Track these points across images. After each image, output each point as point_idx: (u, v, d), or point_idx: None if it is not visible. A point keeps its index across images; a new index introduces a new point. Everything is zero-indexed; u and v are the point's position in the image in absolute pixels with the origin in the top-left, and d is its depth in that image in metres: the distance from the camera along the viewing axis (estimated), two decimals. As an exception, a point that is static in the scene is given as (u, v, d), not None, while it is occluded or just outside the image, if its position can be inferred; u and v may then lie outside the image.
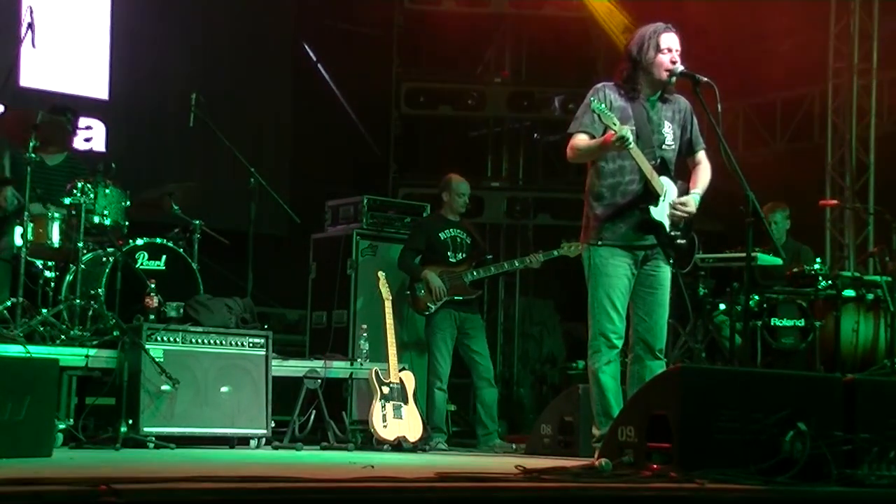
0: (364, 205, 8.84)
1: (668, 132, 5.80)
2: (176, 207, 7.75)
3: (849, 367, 8.15)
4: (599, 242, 5.73)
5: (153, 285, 6.86)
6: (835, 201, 10.42)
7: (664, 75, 5.67)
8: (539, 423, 7.44)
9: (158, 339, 6.61)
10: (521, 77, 12.43)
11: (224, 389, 6.81)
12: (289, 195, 9.65)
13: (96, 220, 6.98)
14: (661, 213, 5.72)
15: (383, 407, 7.25)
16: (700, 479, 3.96)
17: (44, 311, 6.83)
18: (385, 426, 7.20)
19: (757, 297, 8.41)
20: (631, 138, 5.46)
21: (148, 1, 10.51)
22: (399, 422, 7.27)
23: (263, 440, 6.93)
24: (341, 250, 8.71)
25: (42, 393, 5.12)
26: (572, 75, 11.76)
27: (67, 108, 7.77)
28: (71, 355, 6.45)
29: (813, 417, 4.36)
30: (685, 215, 5.76)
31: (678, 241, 5.80)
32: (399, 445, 7.20)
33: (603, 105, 5.52)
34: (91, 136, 7.85)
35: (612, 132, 5.43)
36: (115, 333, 6.66)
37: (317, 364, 7.50)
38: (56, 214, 6.94)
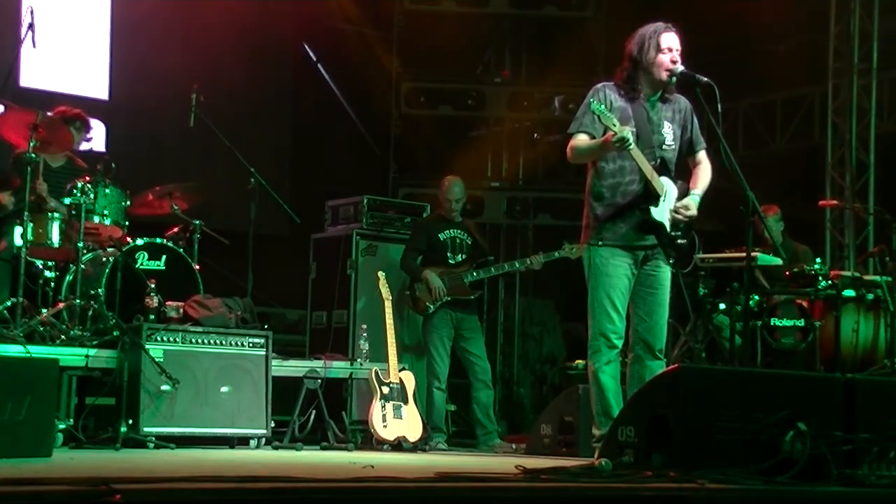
0: (364, 205, 8.85)
1: (668, 132, 5.80)
2: (176, 207, 7.76)
3: (849, 367, 8.14)
4: (600, 242, 5.73)
5: (153, 285, 6.87)
6: (835, 201, 10.42)
7: (664, 75, 5.67)
8: (539, 423, 7.45)
9: (158, 339, 6.60)
10: (521, 77, 12.42)
11: (224, 389, 6.81)
12: (289, 195, 9.66)
13: (96, 219, 6.99)
14: (661, 213, 5.72)
15: (383, 407, 7.25)
16: (700, 479, 3.96)
17: (43, 310, 6.82)
18: (385, 426, 7.20)
19: (757, 297, 8.41)
20: (631, 140, 5.46)
21: (148, 1, 10.50)
22: (399, 422, 7.27)
23: (263, 440, 6.93)
24: (341, 250, 8.71)
25: (42, 393, 5.12)
26: (572, 75, 11.75)
27: (78, 117, 7.75)
28: (71, 355, 6.44)
29: (813, 417, 4.35)
30: (687, 219, 5.76)
31: (678, 241, 5.81)
32: (399, 445, 7.20)
33: (602, 106, 5.52)
34: (91, 136, 7.85)
35: (612, 133, 5.44)
36: (115, 333, 6.66)
37: (317, 364, 7.50)
38: (56, 214, 6.94)
